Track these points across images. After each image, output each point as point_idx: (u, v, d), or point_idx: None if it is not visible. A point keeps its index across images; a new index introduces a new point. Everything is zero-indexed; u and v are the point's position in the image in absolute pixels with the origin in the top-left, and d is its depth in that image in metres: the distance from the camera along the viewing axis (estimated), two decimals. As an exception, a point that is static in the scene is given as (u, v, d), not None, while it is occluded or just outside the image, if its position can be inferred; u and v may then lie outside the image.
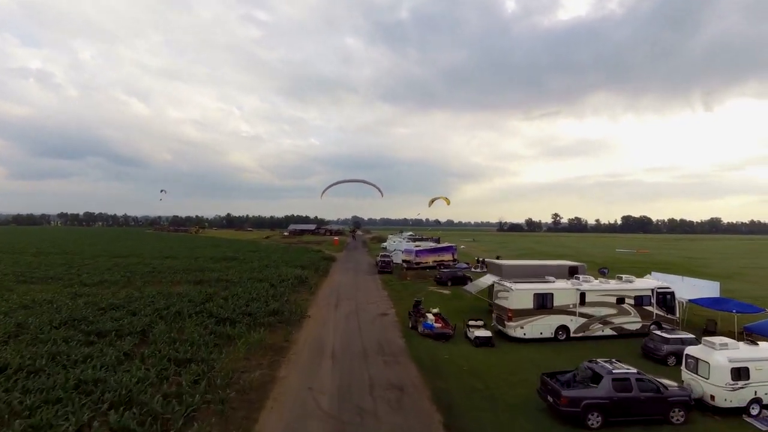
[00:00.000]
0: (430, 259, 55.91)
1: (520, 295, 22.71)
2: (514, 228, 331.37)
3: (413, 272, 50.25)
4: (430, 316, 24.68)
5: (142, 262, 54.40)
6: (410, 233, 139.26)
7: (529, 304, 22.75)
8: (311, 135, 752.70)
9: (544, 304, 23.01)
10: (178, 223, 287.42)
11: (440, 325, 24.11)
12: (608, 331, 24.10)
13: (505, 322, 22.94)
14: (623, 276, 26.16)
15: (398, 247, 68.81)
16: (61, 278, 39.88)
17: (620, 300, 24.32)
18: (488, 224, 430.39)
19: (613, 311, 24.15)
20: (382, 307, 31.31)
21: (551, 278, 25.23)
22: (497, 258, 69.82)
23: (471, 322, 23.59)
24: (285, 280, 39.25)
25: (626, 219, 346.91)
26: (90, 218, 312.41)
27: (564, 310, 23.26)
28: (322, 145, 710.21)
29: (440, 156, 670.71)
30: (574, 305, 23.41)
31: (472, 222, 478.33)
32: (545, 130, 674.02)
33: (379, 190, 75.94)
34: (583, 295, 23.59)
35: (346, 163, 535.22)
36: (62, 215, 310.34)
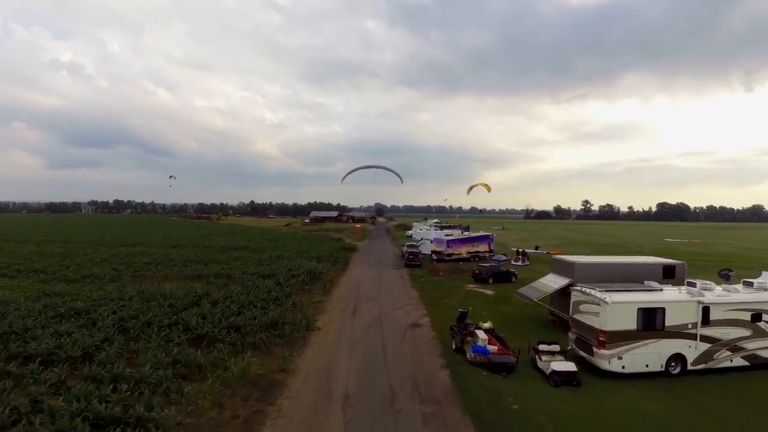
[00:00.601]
0: (464, 250, 48.86)
1: (618, 310, 15.50)
2: (542, 215, 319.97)
3: (445, 265, 43.37)
4: (481, 334, 17.75)
5: (145, 251, 49.34)
6: (436, 220, 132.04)
7: (631, 323, 15.56)
8: (333, 121, 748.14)
9: (652, 323, 15.80)
10: (203, 210, 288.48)
11: (497, 348, 17.25)
12: (739, 361, 16.78)
13: (595, 349, 15.84)
14: (754, 281, 18.57)
15: (425, 235, 61.92)
16: (45, 271, 34.77)
17: (756, 316, 16.90)
18: (513, 212, 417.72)
19: (746, 332, 16.75)
20: (413, 315, 24.59)
21: (654, 284, 17.93)
22: (536, 248, 62.13)
23: (542, 347, 16.60)
24: (295, 275, 33.01)
25: (662, 206, 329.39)
26: (119, 206, 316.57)
27: (680, 332, 15.99)
28: (344, 131, 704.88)
29: (463, 142, 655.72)
30: (694, 325, 16.13)
31: (497, 209, 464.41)
32: (573, 114, 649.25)
33: (399, 177, 71.04)
34: (706, 310, 16.28)
35: (368, 150, 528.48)
36: (93, 203, 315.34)
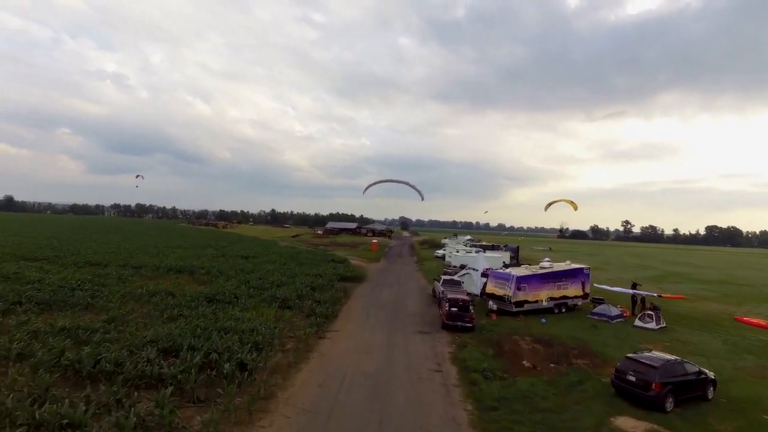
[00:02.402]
0: (544, 295, 27.42)
1: None
2: (577, 235, 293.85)
3: (513, 325, 22.18)
4: None
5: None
6: (468, 237, 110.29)
7: None
8: (362, 135, 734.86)
9: None
10: (223, 217, 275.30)
11: None
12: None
13: None
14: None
15: (468, 261, 40.87)
16: None
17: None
18: (543, 230, 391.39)
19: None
20: None
21: None
22: (634, 287, 39.93)
23: None
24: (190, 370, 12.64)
25: (711, 229, 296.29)
26: (141, 210, 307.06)
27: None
28: (372, 144, 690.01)
29: (492, 158, 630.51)
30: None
31: (525, 227, 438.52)
32: (608, 132, 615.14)
33: (420, 194, 57.87)
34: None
35: (395, 164, 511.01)
36: (115, 206, 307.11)
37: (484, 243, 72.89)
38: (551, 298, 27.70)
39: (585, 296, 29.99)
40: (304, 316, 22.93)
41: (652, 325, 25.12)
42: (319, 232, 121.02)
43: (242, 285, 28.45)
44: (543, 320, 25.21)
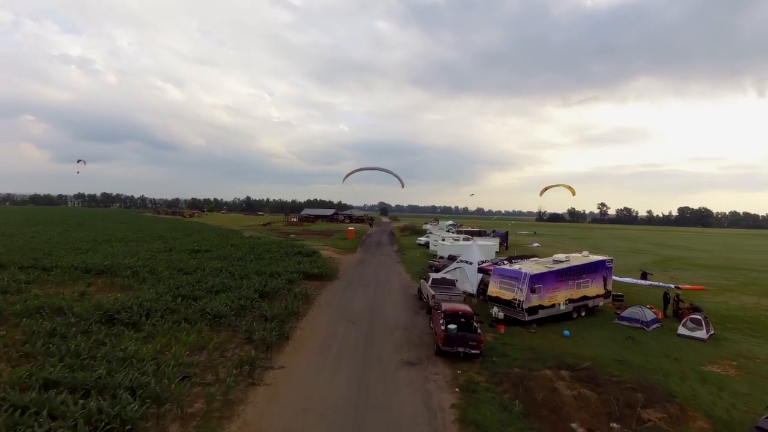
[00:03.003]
0: (561, 297, 21.27)
1: None
2: (555, 218, 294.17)
3: (531, 335, 16.10)
4: None
5: None
6: (451, 222, 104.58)
7: None
8: (340, 121, 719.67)
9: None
10: (195, 206, 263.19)
11: None
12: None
13: None
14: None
15: (459, 252, 34.73)
16: None
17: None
18: (520, 213, 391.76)
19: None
20: None
21: None
22: (644, 276, 34.48)
23: None
24: None
25: (683, 211, 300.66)
26: (108, 199, 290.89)
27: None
28: (351, 131, 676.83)
29: (470, 143, 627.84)
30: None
31: (503, 211, 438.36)
32: (583, 117, 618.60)
33: (401, 181, 56.06)
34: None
35: (374, 149, 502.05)
36: (79, 196, 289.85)
37: (469, 228, 66.98)
38: (569, 300, 21.56)
39: (607, 295, 24.05)
40: (243, 340, 16.11)
41: (702, 333, 19.30)
42: (293, 219, 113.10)
43: (169, 292, 21.29)
44: (566, 333, 19.02)
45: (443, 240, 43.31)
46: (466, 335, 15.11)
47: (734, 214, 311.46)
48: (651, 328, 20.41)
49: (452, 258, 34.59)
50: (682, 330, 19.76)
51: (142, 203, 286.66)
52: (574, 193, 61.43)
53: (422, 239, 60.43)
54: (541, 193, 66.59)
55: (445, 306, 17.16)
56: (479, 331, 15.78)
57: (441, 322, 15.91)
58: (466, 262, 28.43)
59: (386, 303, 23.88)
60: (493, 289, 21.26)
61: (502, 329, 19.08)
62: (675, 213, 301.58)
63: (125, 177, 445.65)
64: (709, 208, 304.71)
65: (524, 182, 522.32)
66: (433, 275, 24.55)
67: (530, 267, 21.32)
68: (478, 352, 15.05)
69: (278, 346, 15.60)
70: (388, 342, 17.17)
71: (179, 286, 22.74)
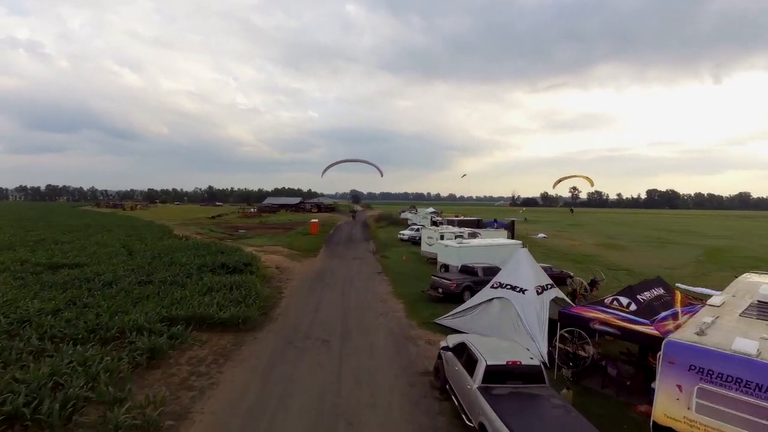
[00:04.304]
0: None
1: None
2: (528, 203, 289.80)
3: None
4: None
5: None
6: (431, 209, 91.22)
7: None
8: (310, 107, 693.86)
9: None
10: (151, 196, 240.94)
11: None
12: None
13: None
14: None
15: (509, 272, 20.79)
16: None
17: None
18: (491, 198, 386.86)
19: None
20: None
21: None
22: (594, 283, 21.79)
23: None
24: None
25: (651, 193, 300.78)
26: (54, 192, 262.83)
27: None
28: (321, 117, 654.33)
29: (441, 129, 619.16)
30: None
31: (474, 197, 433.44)
32: (550, 103, 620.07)
33: (380, 171, 53.12)
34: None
35: (345, 136, 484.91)
36: (21, 189, 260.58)
37: (461, 217, 53.41)
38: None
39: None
40: None
41: None
42: (251, 210, 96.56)
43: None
44: None
45: (444, 238, 29.24)
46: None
47: (699, 195, 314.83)
48: None
49: (468, 271, 20.75)
50: None
51: (93, 196, 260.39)
52: (592, 184, 54.57)
53: (405, 233, 46.54)
54: (554, 185, 58.63)
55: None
56: None
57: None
58: (512, 287, 14.60)
59: (367, 407, 9.63)
60: (678, 414, 7.33)
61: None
62: (644, 195, 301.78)
63: (82, 168, 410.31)
64: (676, 190, 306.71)
65: (494, 168, 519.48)
66: (472, 344, 10.12)
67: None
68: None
69: None
70: None
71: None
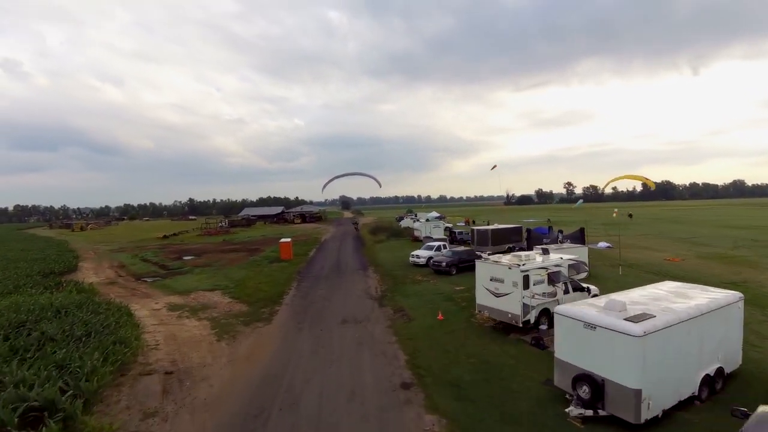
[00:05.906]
0: None
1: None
2: (523, 201, 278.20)
3: None
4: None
5: None
6: (435, 213, 75.94)
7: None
8: (295, 115, 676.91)
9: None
10: (127, 212, 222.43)
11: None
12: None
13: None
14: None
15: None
16: None
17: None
18: (482, 198, 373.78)
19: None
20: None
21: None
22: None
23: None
24: None
25: (646, 186, 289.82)
26: (23, 213, 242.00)
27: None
28: (307, 124, 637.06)
29: (427, 132, 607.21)
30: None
31: (464, 197, 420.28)
32: (534, 102, 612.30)
33: (378, 183, 44.95)
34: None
35: (331, 143, 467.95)
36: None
37: (491, 226, 37.79)
38: None
39: None
40: None
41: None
42: (221, 224, 79.53)
43: None
44: None
45: (529, 281, 13.40)
46: None
47: (694, 185, 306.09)
48: None
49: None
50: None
51: (65, 215, 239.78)
52: (652, 186, 39.61)
53: (420, 254, 30.44)
54: (602, 189, 43.24)
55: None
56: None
57: None
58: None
59: None
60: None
61: None
62: (639, 188, 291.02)
63: (64, 187, 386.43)
64: (672, 180, 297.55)
65: (483, 168, 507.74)
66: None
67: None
68: None
69: None
70: None
71: None
